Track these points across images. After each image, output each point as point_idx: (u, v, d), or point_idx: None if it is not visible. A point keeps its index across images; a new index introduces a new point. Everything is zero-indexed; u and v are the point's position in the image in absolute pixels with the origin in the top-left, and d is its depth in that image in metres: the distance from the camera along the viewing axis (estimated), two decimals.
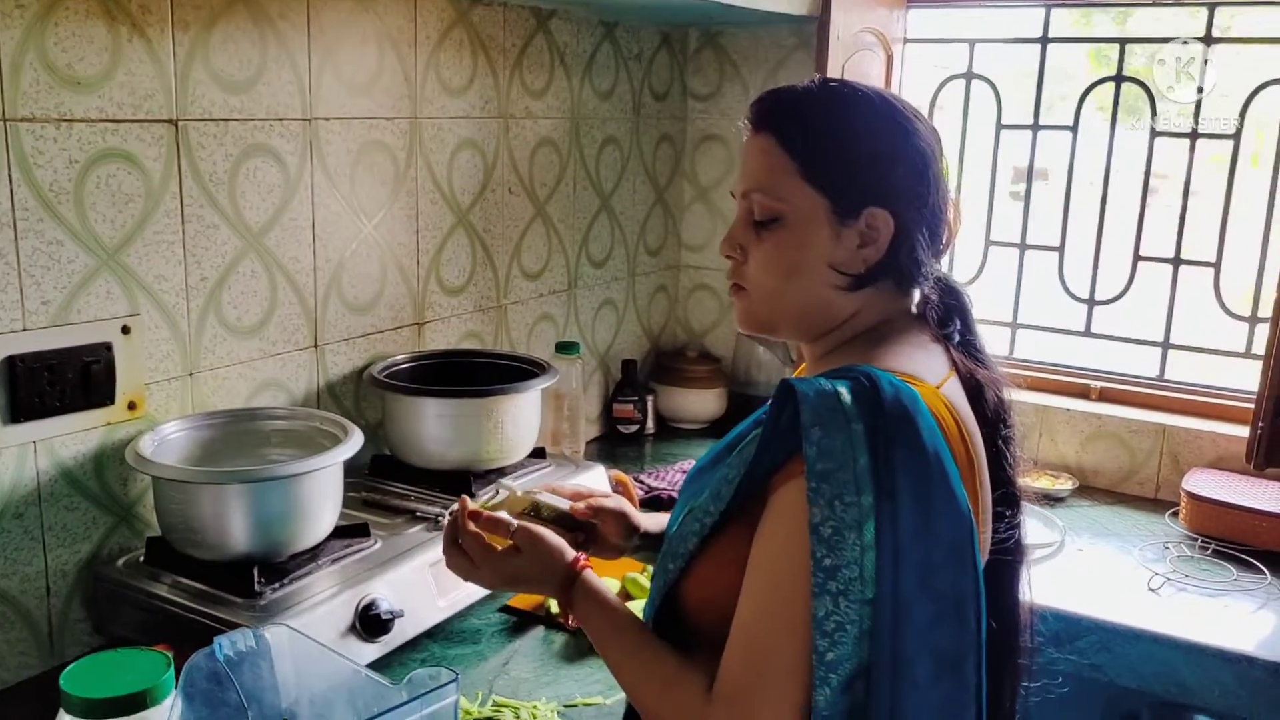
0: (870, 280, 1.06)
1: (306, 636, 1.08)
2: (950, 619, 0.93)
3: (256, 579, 1.41)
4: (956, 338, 1.11)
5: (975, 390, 1.08)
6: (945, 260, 1.14)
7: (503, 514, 1.19)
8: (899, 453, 0.91)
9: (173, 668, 1.06)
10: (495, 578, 1.18)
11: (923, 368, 1.03)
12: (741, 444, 1.03)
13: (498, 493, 1.25)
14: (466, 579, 1.20)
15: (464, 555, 1.18)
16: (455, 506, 1.20)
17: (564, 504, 1.25)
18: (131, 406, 1.51)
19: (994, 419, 1.09)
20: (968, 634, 0.94)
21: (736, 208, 1.09)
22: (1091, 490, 2.31)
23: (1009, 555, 1.09)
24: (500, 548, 1.17)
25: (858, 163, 1.03)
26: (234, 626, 1.31)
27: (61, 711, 1.02)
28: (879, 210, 1.03)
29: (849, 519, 0.90)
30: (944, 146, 1.09)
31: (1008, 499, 1.10)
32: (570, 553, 1.15)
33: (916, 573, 0.90)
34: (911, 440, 0.92)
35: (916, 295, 1.11)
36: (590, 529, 1.26)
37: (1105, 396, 2.41)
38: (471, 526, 1.18)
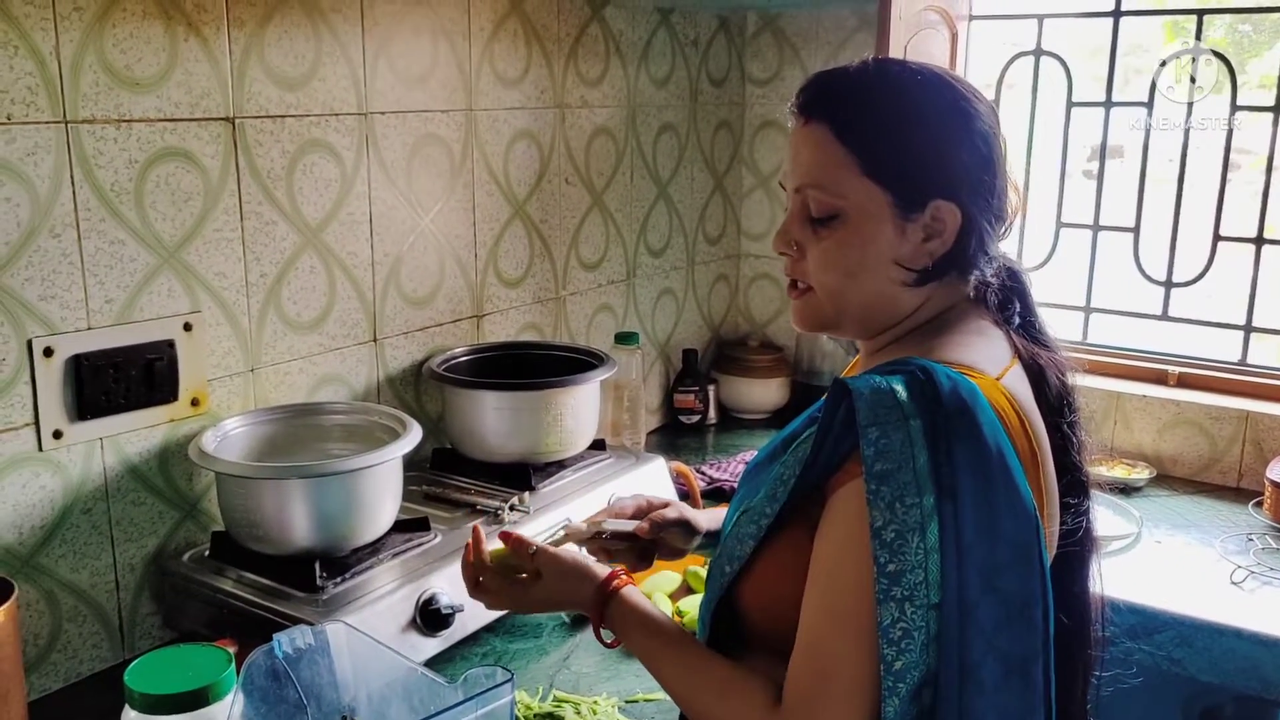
0: (938, 275, 1.01)
1: (364, 634, 1.08)
2: (1016, 621, 0.90)
3: (319, 574, 1.42)
4: (1016, 320, 1.07)
5: (1037, 375, 1.04)
6: (1010, 243, 1.10)
7: (526, 535, 1.19)
8: (959, 449, 0.88)
9: (234, 664, 1.06)
10: (521, 607, 1.18)
11: (981, 357, 0.99)
12: (796, 442, 1.00)
13: (559, 532, 1.24)
14: (499, 609, 1.21)
15: (487, 592, 1.18)
16: (469, 542, 1.20)
17: (628, 525, 1.23)
18: (195, 403, 1.52)
19: (1057, 404, 1.05)
20: (1035, 635, 0.91)
21: (788, 201, 1.05)
22: (1170, 479, 2.23)
23: (1077, 545, 1.05)
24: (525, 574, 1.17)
25: (920, 153, 0.98)
26: (297, 621, 1.32)
27: (126, 707, 1.04)
28: (944, 202, 0.98)
29: (911, 521, 0.87)
30: (1002, 125, 1.04)
31: (1075, 486, 1.06)
32: (601, 571, 1.12)
33: (980, 574, 0.87)
34: (972, 435, 0.89)
35: (974, 278, 1.07)
36: (654, 543, 1.25)
37: (1184, 382, 2.32)
38: (487, 561, 1.17)
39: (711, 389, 2.56)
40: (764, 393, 2.60)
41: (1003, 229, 1.05)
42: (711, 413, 2.56)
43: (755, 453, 2.26)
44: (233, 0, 1.49)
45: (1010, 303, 1.07)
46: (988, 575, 0.88)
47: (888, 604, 0.87)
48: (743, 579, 1.01)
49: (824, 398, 0.97)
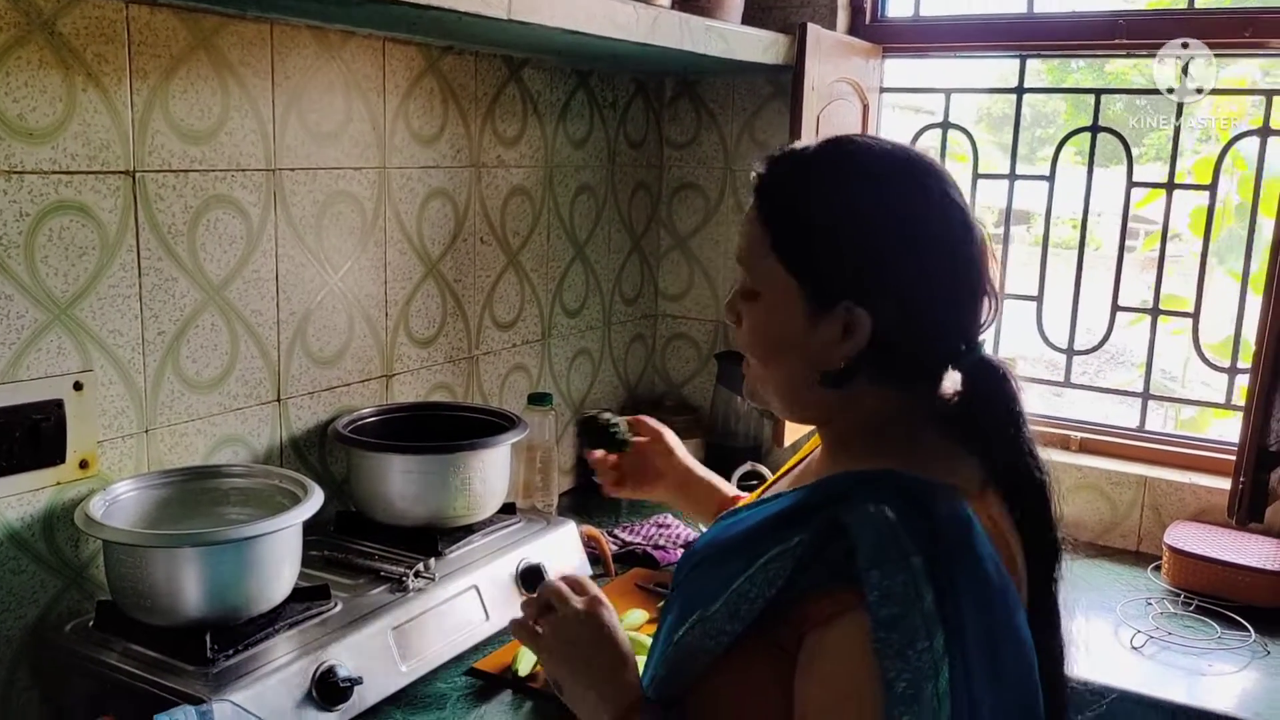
0: (848, 380, 0.97)
1: (250, 713, 1.03)
2: None
3: (209, 646, 1.35)
4: (992, 433, 1.00)
5: (1018, 495, 1.00)
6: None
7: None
8: (962, 579, 0.86)
9: None
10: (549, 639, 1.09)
11: (959, 476, 0.96)
12: (765, 558, 0.91)
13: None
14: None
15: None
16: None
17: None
18: (83, 465, 1.46)
19: (1041, 533, 1.01)
20: None
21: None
22: (1073, 543, 2.27)
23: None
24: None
25: (837, 250, 0.95)
26: (185, 696, 1.26)
27: None
28: (856, 306, 0.94)
29: (924, 668, 0.83)
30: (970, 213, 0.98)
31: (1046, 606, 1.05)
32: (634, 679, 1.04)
33: (992, 714, 0.86)
34: (973, 565, 0.87)
35: (946, 385, 1.02)
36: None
37: (1085, 447, 2.38)
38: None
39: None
40: None
41: (965, 331, 0.99)
42: None
43: (669, 516, 2.24)
44: (136, 51, 1.46)
45: (986, 415, 1.00)
46: (996, 714, 0.86)
47: None
48: (694, 691, 0.97)
49: (793, 497, 0.94)
